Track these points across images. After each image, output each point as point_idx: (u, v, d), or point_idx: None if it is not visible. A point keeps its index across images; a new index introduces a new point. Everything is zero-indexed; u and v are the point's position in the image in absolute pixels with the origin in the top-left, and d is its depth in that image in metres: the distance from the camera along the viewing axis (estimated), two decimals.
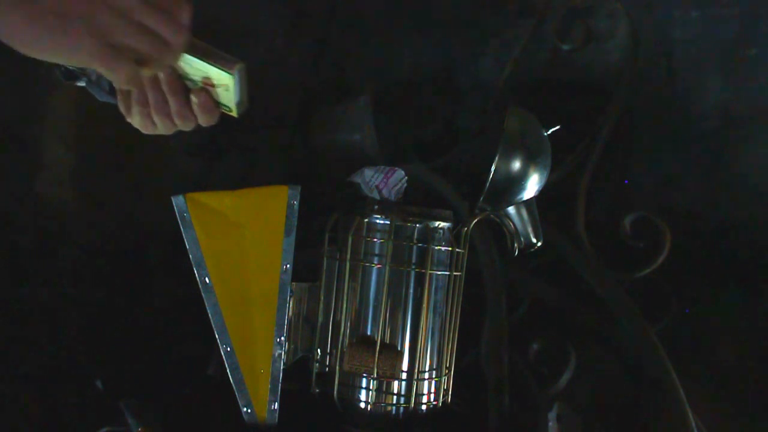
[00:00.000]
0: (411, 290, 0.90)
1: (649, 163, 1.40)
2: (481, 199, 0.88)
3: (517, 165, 0.87)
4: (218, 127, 1.53)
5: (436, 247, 0.90)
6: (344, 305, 0.90)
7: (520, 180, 0.88)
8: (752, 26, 1.33)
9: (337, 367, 0.90)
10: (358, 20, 1.47)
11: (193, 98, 0.77)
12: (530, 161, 0.89)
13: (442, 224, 0.91)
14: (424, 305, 0.89)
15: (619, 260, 1.26)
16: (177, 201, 0.81)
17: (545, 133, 0.91)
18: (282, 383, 0.87)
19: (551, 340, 1.26)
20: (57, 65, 0.80)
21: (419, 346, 0.90)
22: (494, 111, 0.94)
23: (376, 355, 0.87)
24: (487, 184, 0.87)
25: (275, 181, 0.84)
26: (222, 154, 1.52)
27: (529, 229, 0.95)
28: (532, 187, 0.90)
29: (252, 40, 1.51)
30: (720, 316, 1.33)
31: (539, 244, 0.96)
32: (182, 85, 0.77)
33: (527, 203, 0.92)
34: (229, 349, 0.85)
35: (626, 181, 1.41)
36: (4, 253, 1.41)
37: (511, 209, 0.92)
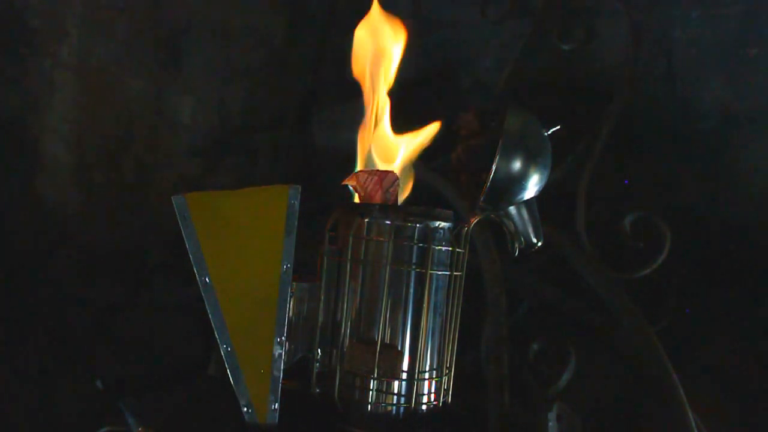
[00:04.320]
0: (411, 290, 0.89)
1: (649, 163, 1.40)
2: (482, 199, 0.88)
3: (517, 165, 0.87)
4: (219, 128, 1.54)
5: (437, 247, 0.89)
6: (345, 305, 0.90)
7: (520, 180, 0.88)
8: (752, 26, 1.33)
9: (338, 367, 0.89)
10: (358, 20, 1.47)
11: None
12: (530, 161, 0.88)
13: (443, 224, 0.90)
14: (425, 305, 0.89)
15: (619, 260, 1.26)
16: (177, 201, 0.81)
17: (545, 133, 0.91)
18: (282, 383, 0.86)
19: (551, 340, 1.26)
20: None
21: (420, 346, 0.89)
22: (494, 111, 0.93)
23: (377, 355, 0.87)
24: (488, 184, 0.86)
25: (275, 181, 0.84)
26: (222, 154, 1.52)
27: (530, 229, 0.94)
28: (532, 187, 0.90)
29: (252, 40, 1.52)
30: (720, 316, 1.33)
31: (539, 244, 0.96)
32: None
33: (527, 203, 0.92)
34: (229, 349, 0.85)
35: (626, 181, 1.41)
36: (4, 253, 1.41)
37: (512, 209, 0.92)
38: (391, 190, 0.94)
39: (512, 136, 0.87)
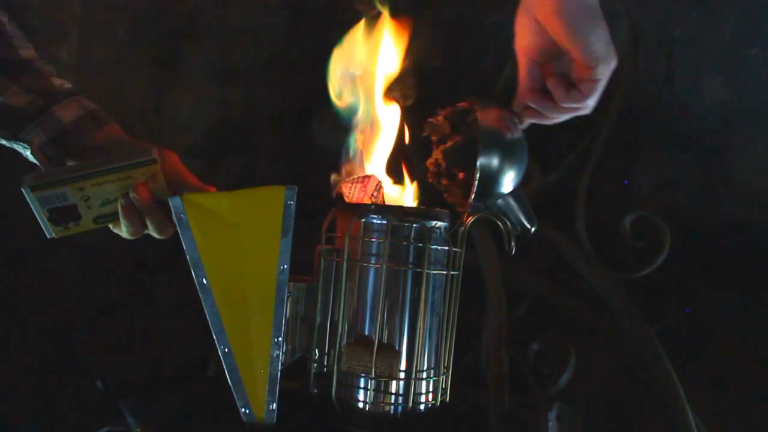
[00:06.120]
0: (408, 290, 0.89)
1: (649, 163, 1.40)
2: (472, 197, 0.88)
3: (498, 158, 0.87)
4: (219, 128, 1.53)
5: (433, 247, 0.89)
6: (342, 305, 0.90)
7: (502, 172, 0.88)
8: (752, 26, 1.33)
9: (335, 367, 0.89)
10: (358, 20, 1.47)
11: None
12: (509, 153, 0.88)
13: (439, 224, 0.90)
14: (422, 305, 0.89)
15: (619, 260, 1.26)
16: (174, 202, 0.81)
17: (517, 122, 0.91)
18: (280, 383, 0.86)
19: (551, 340, 1.26)
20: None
21: (417, 346, 0.89)
22: (463, 111, 0.94)
23: (374, 355, 0.87)
24: (476, 182, 0.87)
25: (276, 181, 0.84)
26: (222, 154, 1.52)
27: (521, 217, 0.95)
28: (515, 176, 0.90)
29: (252, 40, 1.51)
30: (720, 316, 1.33)
31: (534, 228, 0.96)
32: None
33: (513, 193, 0.92)
34: (226, 349, 0.85)
35: (626, 181, 1.41)
36: (4, 253, 1.41)
37: (500, 202, 0.92)
38: (375, 193, 0.95)
39: (488, 131, 0.87)
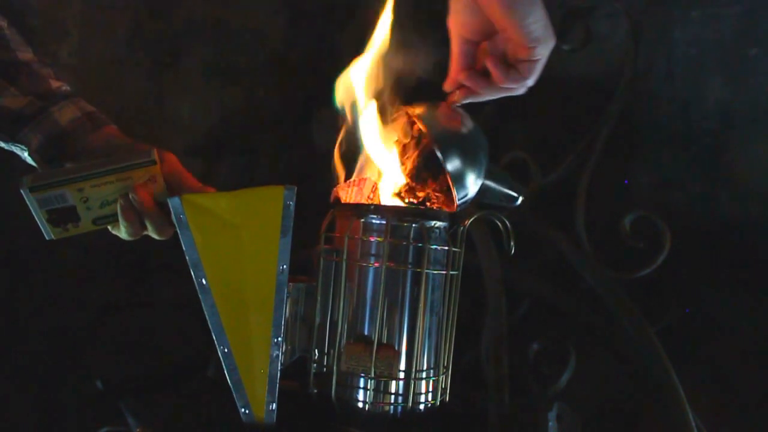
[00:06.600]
0: (408, 290, 0.89)
1: (649, 163, 1.40)
2: (458, 199, 0.89)
3: (460, 155, 0.88)
4: (219, 128, 1.53)
5: (433, 247, 0.90)
6: (341, 305, 0.90)
7: (469, 165, 0.89)
8: (752, 26, 1.33)
9: (335, 367, 0.89)
10: (357, 19, 1.47)
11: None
12: (468, 143, 0.89)
13: (438, 223, 0.90)
14: (421, 304, 0.89)
15: (619, 260, 1.26)
16: (173, 203, 0.81)
17: (456, 106, 0.91)
18: (279, 383, 0.86)
19: (551, 340, 1.26)
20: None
21: (416, 346, 0.89)
22: (409, 122, 0.95)
23: (373, 355, 0.87)
24: (453, 186, 0.87)
25: (276, 181, 0.83)
26: (222, 154, 1.52)
27: (505, 190, 0.95)
28: (482, 162, 0.90)
29: (252, 40, 1.52)
30: (720, 316, 1.33)
31: (522, 197, 0.96)
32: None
33: (487, 174, 0.92)
34: (226, 350, 0.85)
35: (626, 181, 1.40)
36: (4, 253, 1.41)
37: (481, 188, 0.92)
38: (371, 195, 0.95)
39: (441, 136, 0.87)
